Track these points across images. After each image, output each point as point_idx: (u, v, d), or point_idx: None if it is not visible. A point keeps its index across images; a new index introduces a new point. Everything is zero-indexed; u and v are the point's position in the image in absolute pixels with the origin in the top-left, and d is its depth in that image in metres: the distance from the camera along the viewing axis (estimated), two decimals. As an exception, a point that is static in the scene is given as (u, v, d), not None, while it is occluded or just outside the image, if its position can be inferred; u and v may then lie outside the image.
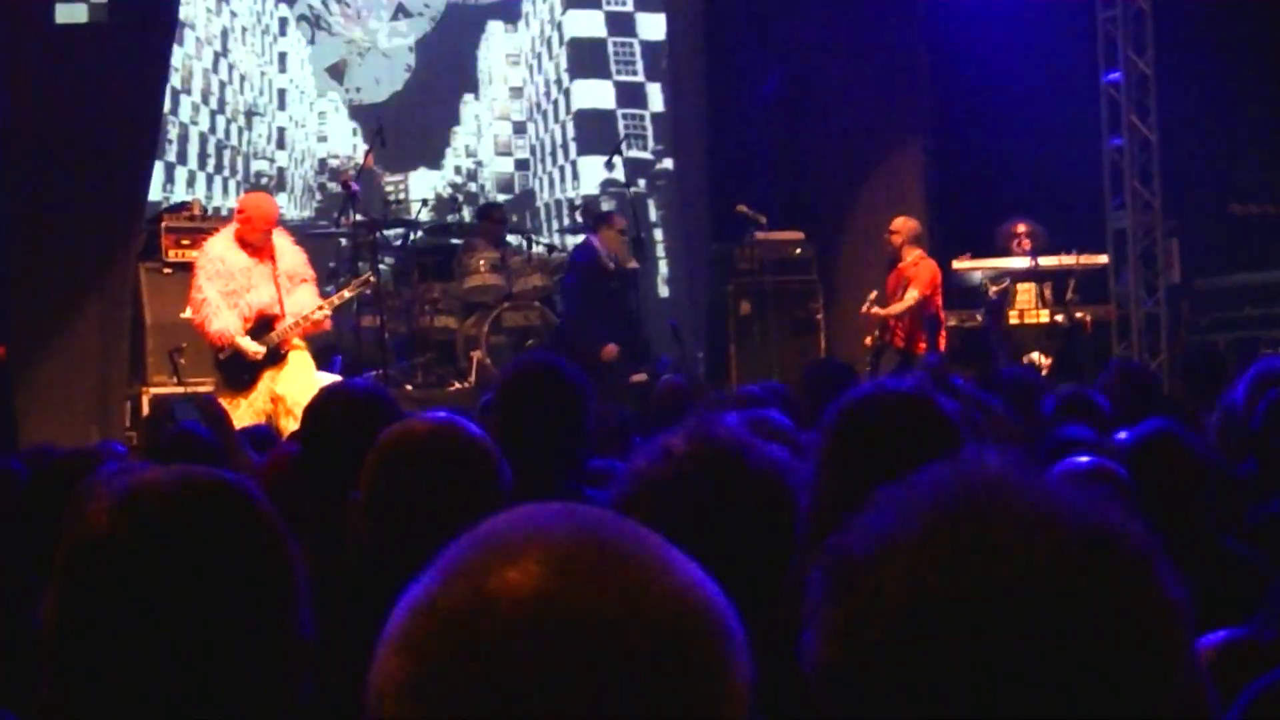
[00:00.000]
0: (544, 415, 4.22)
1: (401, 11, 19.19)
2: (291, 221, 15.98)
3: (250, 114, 18.40)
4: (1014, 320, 12.93)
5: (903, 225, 13.01)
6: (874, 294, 12.85)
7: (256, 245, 10.53)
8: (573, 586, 1.14)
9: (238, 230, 10.57)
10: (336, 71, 19.15)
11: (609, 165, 15.21)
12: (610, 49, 19.14)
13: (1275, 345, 12.34)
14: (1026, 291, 13.05)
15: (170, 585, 1.92)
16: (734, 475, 2.54)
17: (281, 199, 16.74)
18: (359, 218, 13.19)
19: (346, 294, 11.20)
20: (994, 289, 12.88)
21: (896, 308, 12.73)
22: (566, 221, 17.71)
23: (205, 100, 17.91)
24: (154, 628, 1.90)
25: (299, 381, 10.23)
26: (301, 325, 10.49)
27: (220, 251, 10.53)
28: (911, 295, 12.66)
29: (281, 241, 10.78)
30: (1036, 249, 13.11)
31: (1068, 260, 13.03)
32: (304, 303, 10.62)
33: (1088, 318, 13.02)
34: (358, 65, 19.17)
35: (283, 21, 18.79)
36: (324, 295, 11.18)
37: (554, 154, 19.30)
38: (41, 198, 12.24)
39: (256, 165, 18.32)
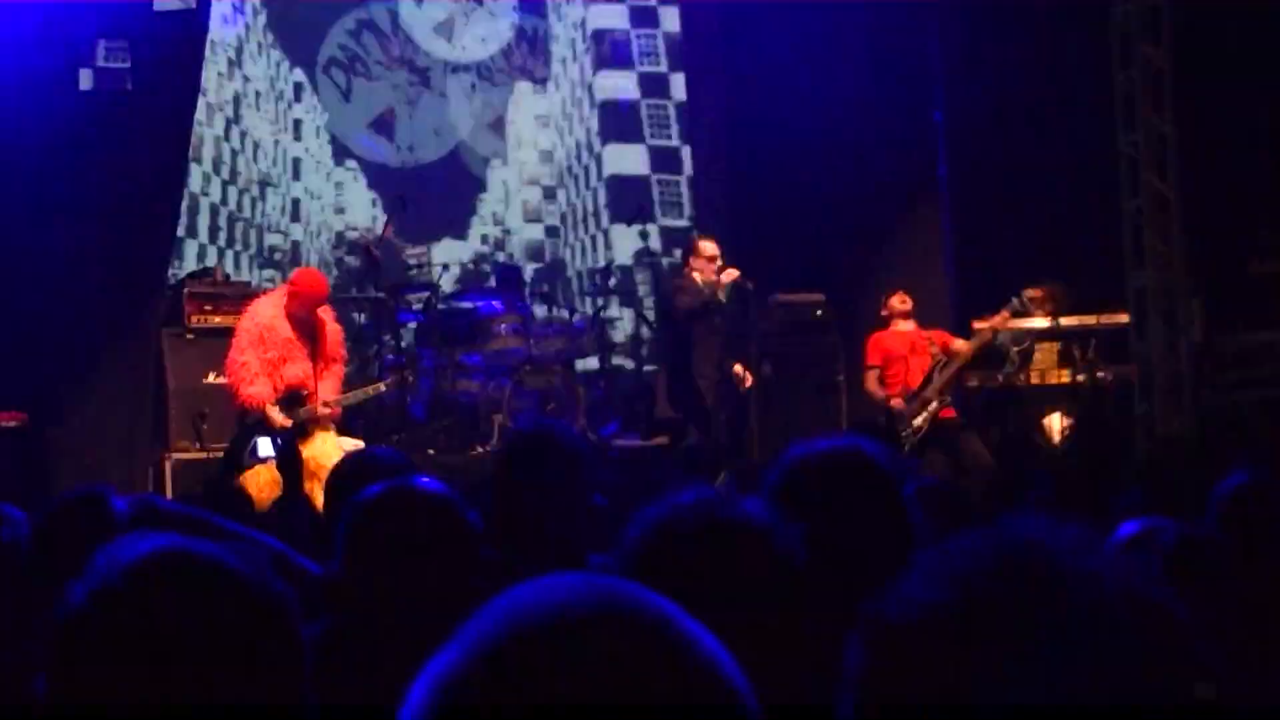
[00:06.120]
0: (540, 481, 4.75)
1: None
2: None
3: (264, 184, 18.81)
4: (1035, 380, 13.97)
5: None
6: (897, 395, 13.96)
7: (302, 320, 11.59)
8: (593, 679, 1.29)
9: (287, 303, 11.58)
10: (384, 124, 19.40)
11: (642, 235, 16.66)
12: (644, 111, 19.85)
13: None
14: (1048, 351, 14.14)
15: (155, 667, 2.06)
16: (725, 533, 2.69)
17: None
18: (379, 295, 14.37)
19: (355, 397, 12.30)
20: (1015, 349, 13.96)
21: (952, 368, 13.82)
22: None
23: (216, 170, 18.23)
24: (142, 713, 2.05)
25: (322, 446, 11.20)
26: (321, 415, 11.62)
27: (267, 320, 11.55)
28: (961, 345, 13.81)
29: (326, 319, 11.80)
30: (1057, 311, 14.06)
31: (1088, 320, 14.05)
32: (326, 392, 11.71)
33: (1109, 377, 14.03)
34: (407, 117, 19.46)
35: (297, 87, 19.12)
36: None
37: (585, 221, 19.92)
38: (65, 264, 13.37)
39: (270, 239, 18.77)
